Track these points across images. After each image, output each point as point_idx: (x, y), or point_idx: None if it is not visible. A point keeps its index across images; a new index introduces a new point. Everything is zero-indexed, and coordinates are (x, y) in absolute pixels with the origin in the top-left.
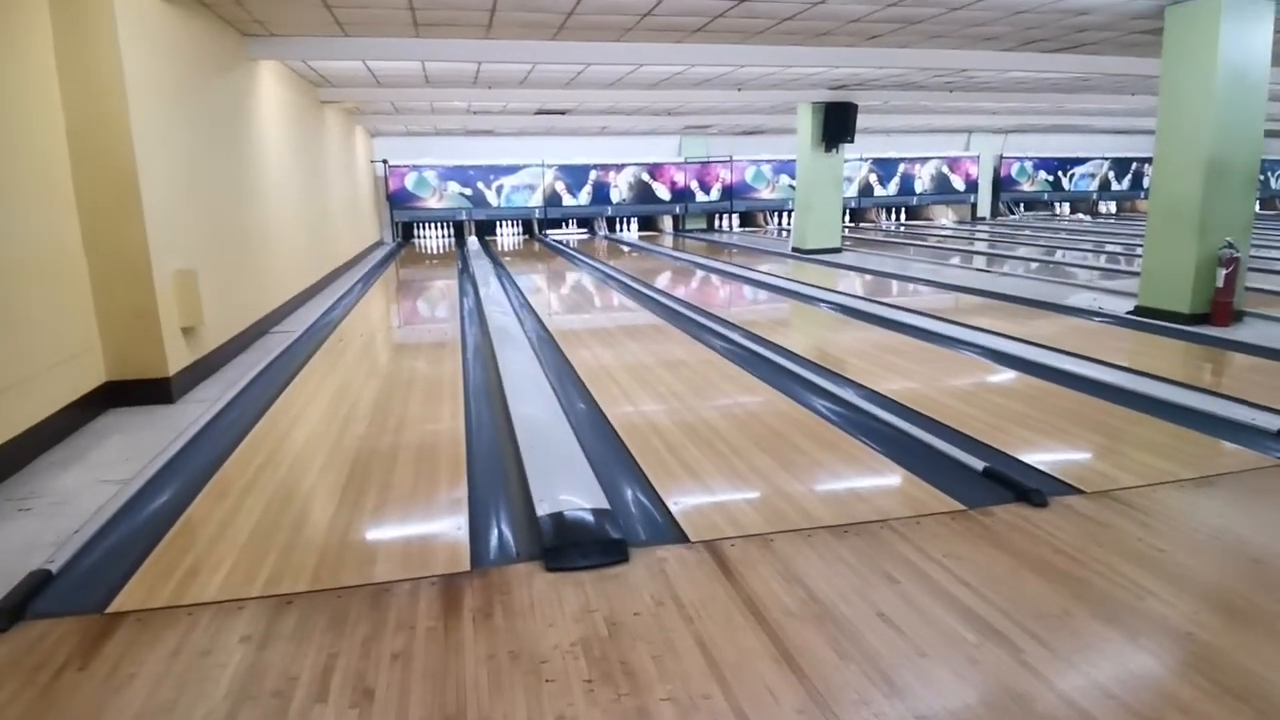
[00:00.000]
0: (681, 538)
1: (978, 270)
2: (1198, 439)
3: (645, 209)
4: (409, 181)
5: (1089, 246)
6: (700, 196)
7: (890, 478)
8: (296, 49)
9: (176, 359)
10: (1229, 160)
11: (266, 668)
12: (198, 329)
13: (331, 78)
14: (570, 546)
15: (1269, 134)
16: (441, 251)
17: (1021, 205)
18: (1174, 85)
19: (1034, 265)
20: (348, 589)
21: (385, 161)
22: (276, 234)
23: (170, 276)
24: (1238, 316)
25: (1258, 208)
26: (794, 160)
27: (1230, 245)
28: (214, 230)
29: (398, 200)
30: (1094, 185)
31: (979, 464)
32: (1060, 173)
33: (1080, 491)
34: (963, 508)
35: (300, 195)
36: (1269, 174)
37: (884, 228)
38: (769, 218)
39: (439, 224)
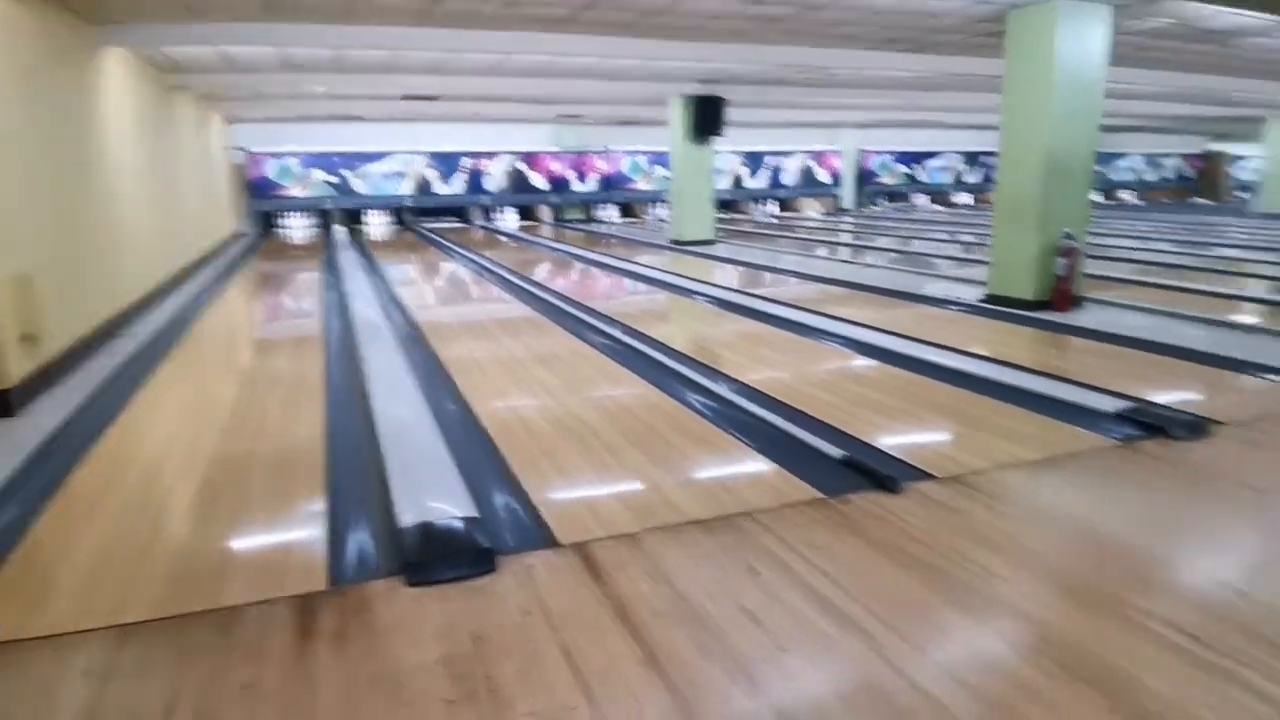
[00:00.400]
0: (551, 541)
1: (842, 262)
2: (1042, 422)
3: (522, 199)
4: (270, 169)
5: (944, 237)
6: (577, 186)
7: (756, 469)
8: (144, 35)
9: (16, 369)
10: (1066, 156)
11: (109, 704)
12: (39, 336)
13: (182, 63)
14: (435, 559)
15: (1105, 129)
16: (305, 242)
17: (883, 198)
18: (1016, 85)
19: (894, 256)
20: (196, 615)
21: (244, 149)
22: (124, 230)
23: (6, 281)
24: (1078, 302)
25: (1102, 198)
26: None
27: (1069, 235)
28: (55, 229)
29: (258, 189)
30: (948, 178)
31: (838, 453)
32: (917, 166)
33: (933, 477)
34: (823, 496)
35: (149, 188)
36: (1107, 166)
37: (756, 219)
38: (647, 208)
39: (303, 213)
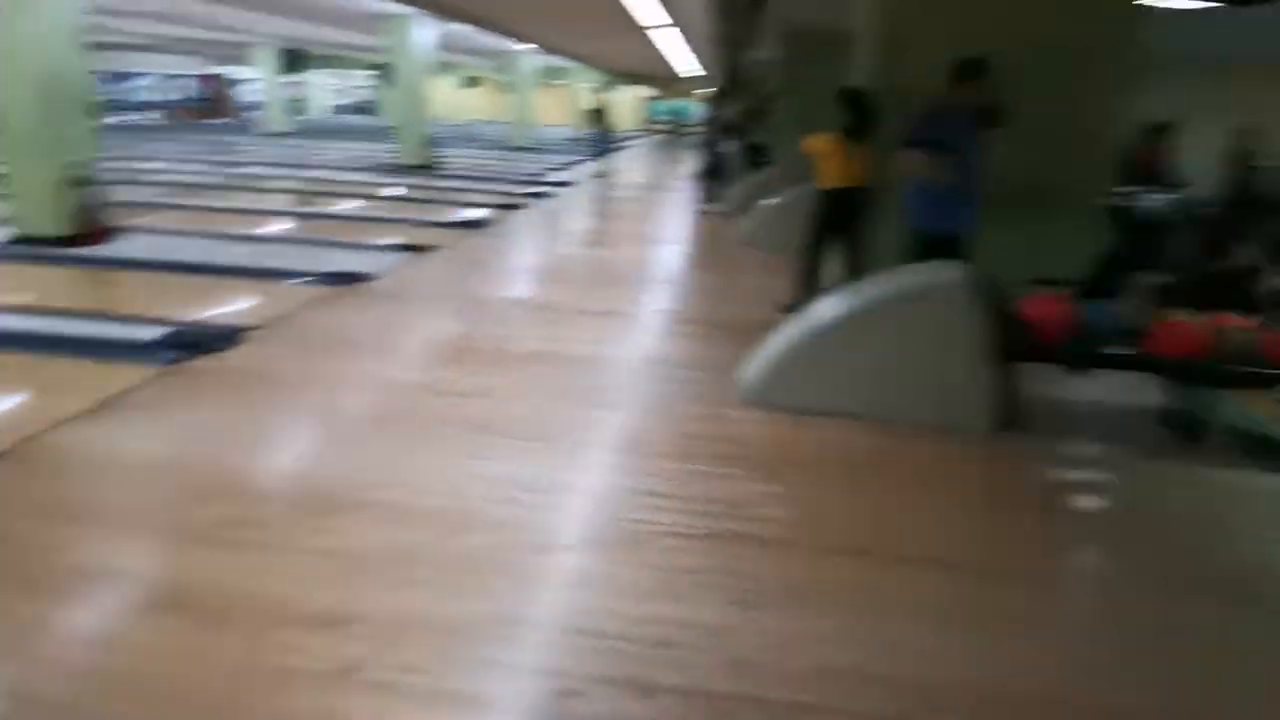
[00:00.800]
0: None
1: None
2: (90, 367)
3: None
4: None
5: None
6: None
7: None
8: None
9: None
10: (62, 78)
11: None
12: None
13: None
14: None
15: (113, 46)
16: None
17: None
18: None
19: None
20: None
21: None
22: None
23: None
24: (111, 233)
25: (131, 119)
26: None
27: (80, 164)
28: None
29: None
30: None
31: None
32: None
33: None
34: None
35: None
36: (124, 86)
37: None
38: None
39: None
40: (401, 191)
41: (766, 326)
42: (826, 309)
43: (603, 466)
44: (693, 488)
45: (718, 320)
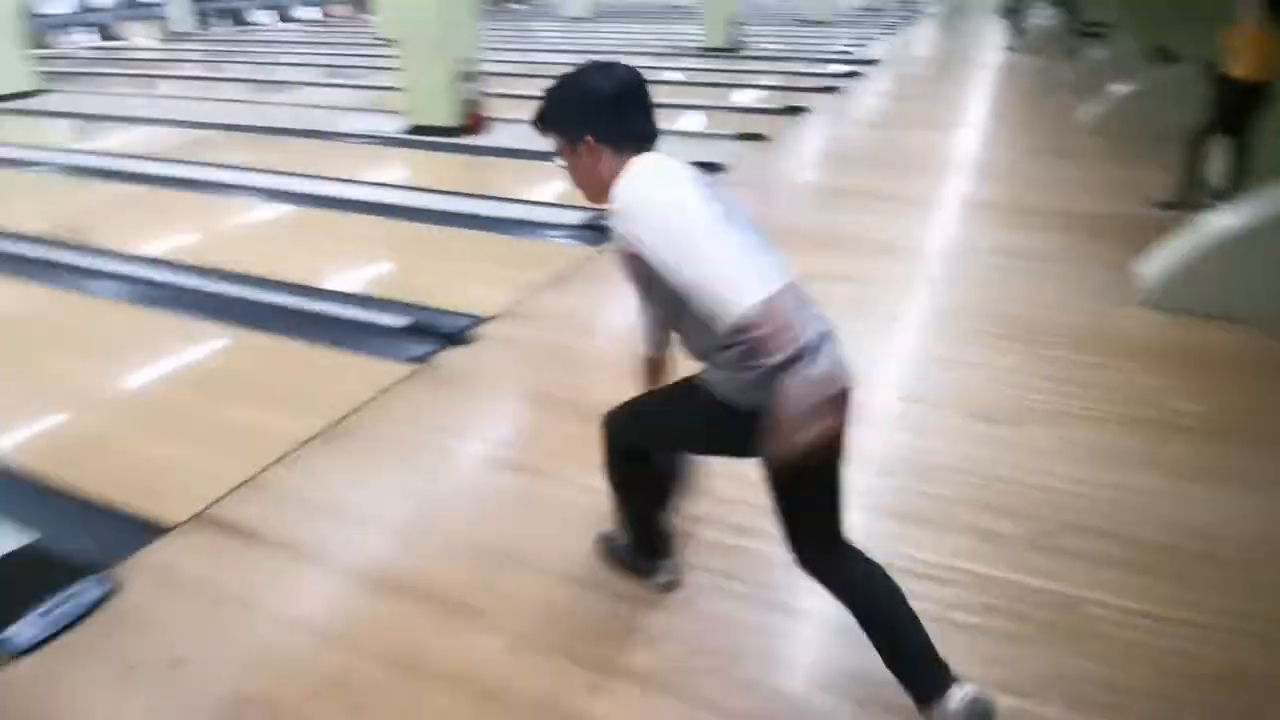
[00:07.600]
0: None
1: (219, 100)
2: (513, 242)
3: None
4: None
5: (323, 60)
6: None
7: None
8: None
9: None
10: None
11: None
12: None
13: None
14: None
15: None
16: None
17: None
18: None
19: (284, 88)
20: None
21: None
22: None
23: None
24: (486, 123)
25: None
26: None
27: (467, 61)
28: None
29: None
30: None
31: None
32: None
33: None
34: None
35: None
36: None
37: (73, 55)
38: None
39: None
40: (717, 77)
41: (1137, 221)
42: (1264, 206)
43: (996, 353)
44: (1086, 376)
45: (1077, 213)
